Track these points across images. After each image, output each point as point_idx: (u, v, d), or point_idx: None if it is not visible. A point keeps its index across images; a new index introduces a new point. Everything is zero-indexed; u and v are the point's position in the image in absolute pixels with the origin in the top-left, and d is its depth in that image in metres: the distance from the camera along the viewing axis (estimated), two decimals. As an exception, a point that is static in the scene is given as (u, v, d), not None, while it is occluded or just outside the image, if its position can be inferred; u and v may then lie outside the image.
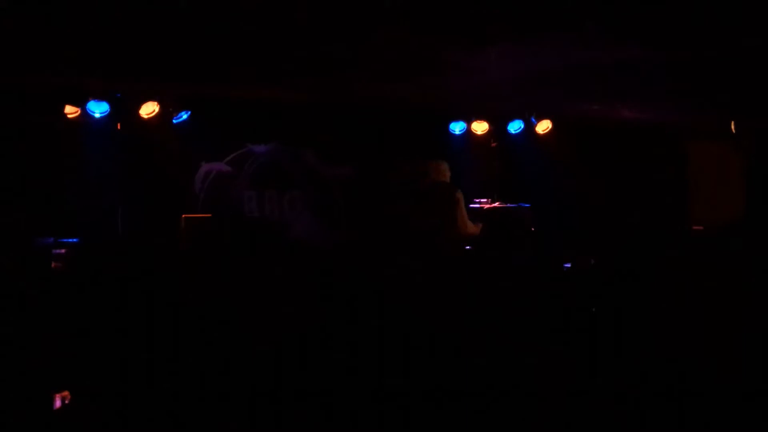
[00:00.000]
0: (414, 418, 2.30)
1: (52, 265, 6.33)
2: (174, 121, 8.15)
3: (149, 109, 7.99)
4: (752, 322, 2.47)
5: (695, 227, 9.06)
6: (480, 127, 9.57)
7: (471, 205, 8.73)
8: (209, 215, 7.64)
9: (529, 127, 9.66)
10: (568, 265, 4.61)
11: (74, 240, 6.83)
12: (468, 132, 9.59)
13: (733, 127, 9.78)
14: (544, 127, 9.64)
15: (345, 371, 2.34)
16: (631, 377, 2.47)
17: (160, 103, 7.99)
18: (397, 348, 2.39)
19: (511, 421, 2.33)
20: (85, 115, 7.76)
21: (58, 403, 2.53)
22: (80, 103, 7.71)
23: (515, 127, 9.70)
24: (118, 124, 8.01)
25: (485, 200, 8.82)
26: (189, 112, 8.17)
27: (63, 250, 6.57)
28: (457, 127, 9.58)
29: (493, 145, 9.72)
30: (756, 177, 10.09)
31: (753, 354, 2.42)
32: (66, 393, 2.49)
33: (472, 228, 7.17)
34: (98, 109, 7.77)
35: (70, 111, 7.71)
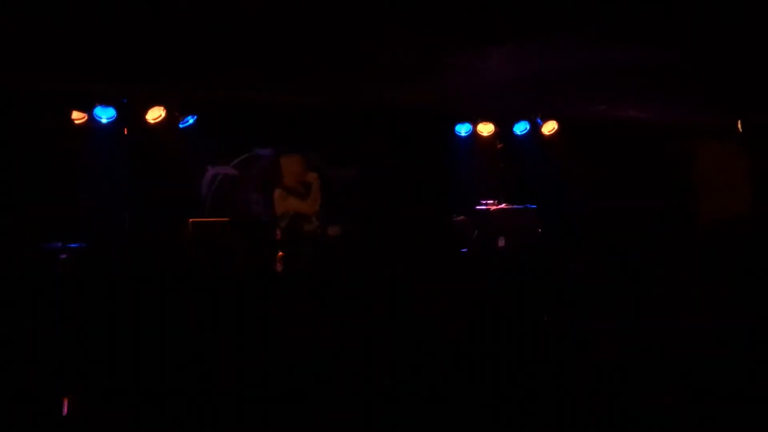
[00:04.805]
0: (416, 415, 2.31)
1: (60, 269, 6.34)
2: (180, 125, 8.17)
3: (156, 114, 8.01)
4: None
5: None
6: (486, 129, 9.57)
7: (477, 207, 8.74)
8: (217, 219, 7.65)
9: (535, 129, 9.66)
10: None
11: (82, 245, 6.84)
12: (474, 133, 9.59)
13: (739, 125, 9.75)
14: (550, 128, 9.63)
15: (349, 369, 2.35)
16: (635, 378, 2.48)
17: (166, 107, 8.02)
18: (402, 344, 2.40)
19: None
20: (92, 120, 7.79)
21: (65, 409, 2.54)
22: (87, 108, 7.74)
23: (521, 128, 9.70)
24: (125, 129, 8.03)
25: (491, 202, 8.81)
26: (195, 117, 8.19)
27: (70, 255, 6.58)
28: (462, 129, 9.58)
29: (499, 146, 9.71)
30: (762, 175, 10.06)
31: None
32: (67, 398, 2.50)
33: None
34: (105, 114, 7.80)
35: (78, 116, 7.74)
